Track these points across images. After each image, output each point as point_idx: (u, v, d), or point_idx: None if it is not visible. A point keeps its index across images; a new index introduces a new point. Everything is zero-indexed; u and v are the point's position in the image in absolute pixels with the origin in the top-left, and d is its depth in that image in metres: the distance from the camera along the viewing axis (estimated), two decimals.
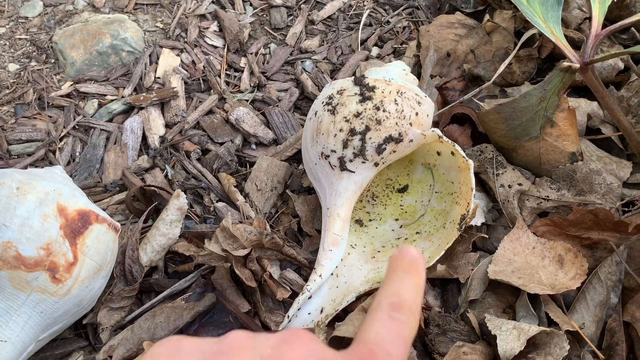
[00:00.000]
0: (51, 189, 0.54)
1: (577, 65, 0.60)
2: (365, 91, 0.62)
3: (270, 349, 0.31)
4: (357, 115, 0.61)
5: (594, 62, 0.60)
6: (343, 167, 0.62)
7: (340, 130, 0.61)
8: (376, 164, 0.62)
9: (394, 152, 0.61)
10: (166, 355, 0.31)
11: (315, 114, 0.65)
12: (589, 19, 0.79)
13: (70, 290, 0.54)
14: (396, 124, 0.60)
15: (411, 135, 0.61)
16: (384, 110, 0.61)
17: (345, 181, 0.63)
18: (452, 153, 0.64)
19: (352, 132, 0.61)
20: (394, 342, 0.32)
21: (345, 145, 0.61)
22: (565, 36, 0.73)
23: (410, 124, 0.61)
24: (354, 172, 0.62)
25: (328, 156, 0.62)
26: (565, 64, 0.60)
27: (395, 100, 0.61)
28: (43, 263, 0.52)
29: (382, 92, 0.62)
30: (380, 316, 0.33)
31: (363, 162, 0.61)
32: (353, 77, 0.65)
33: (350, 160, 0.61)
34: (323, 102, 0.64)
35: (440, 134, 0.61)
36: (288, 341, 0.31)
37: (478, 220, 0.66)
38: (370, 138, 0.60)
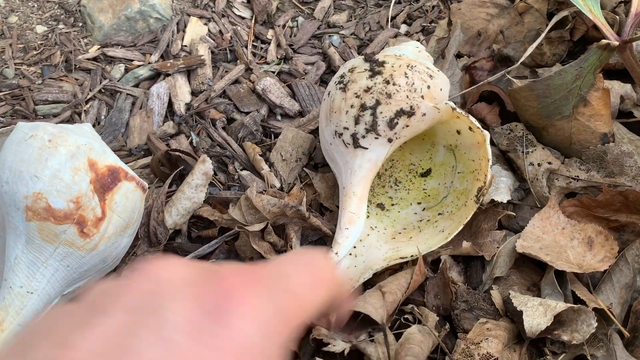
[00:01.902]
0: (82, 142, 0.54)
1: (616, 43, 0.59)
2: (375, 66, 0.61)
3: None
4: (367, 90, 0.60)
5: (633, 40, 0.59)
6: (356, 144, 0.61)
7: (352, 106, 0.61)
8: (390, 140, 0.61)
9: (407, 126, 0.61)
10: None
11: (329, 94, 0.64)
12: (625, 2, 0.78)
13: (97, 245, 0.54)
14: (407, 97, 0.60)
15: (424, 108, 0.60)
16: (394, 84, 0.60)
17: (359, 159, 0.62)
18: (470, 128, 0.63)
19: (363, 107, 0.60)
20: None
21: (357, 121, 0.60)
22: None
23: (422, 97, 0.60)
24: (367, 148, 0.61)
25: (341, 134, 0.62)
26: (604, 41, 0.59)
27: (406, 74, 0.60)
28: (72, 216, 0.51)
29: (392, 66, 0.61)
30: None
31: (376, 138, 0.61)
32: (364, 55, 0.64)
33: (363, 137, 0.61)
34: (335, 82, 0.64)
35: (454, 106, 0.60)
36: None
37: (504, 198, 0.65)
38: (381, 112, 0.60)
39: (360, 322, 0.56)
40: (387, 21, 0.93)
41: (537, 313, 0.54)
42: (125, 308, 0.24)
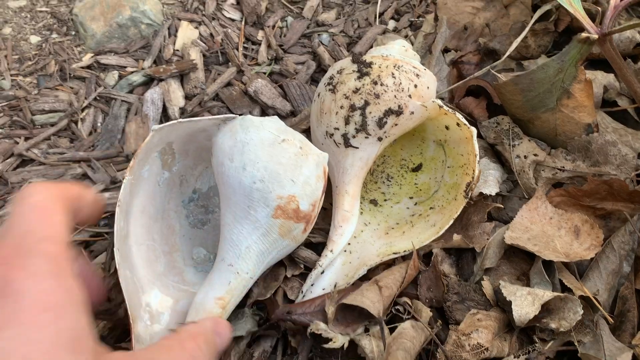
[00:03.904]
0: (318, 152, 0.58)
1: (596, 37, 0.61)
2: (363, 67, 0.63)
3: None
4: (356, 91, 0.62)
5: (612, 33, 0.61)
6: (347, 144, 0.63)
7: (341, 107, 0.62)
8: (380, 139, 0.63)
9: (396, 125, 0.62)
10: None
11: (319, 95, 0.66)
12: None
13: (303, 239, 0.60)
14: (395, 96, 0.61)
15: (411, 107, 0.62)
16: (381, 84, 0.61)
17: (350, 158, 0.64)
18: (458, 124, 0.65)
19: (352, 107, 0.62)
20: None
21: (347, 121, 0.62)
22: (583, 9, 0.73)
23: (410, 96, 0.62)
24: (358, 147, 0.63)
25: (332, 134, 0.64)
26: (584, 35, 0.61)
27: (393, 74, 0.62)
28: (307, 217, 0.57)
29: (379, 67, 0.63)
30: None
31: (366, 137, 0.62)
32: (352, 56, 0.66)
33: (354, 136, 0.63)
34: (325, 83, 0.66)
35: (441, 103, 0.62)
36: None
37: (492, 190, 0.67)
38: (370, 112, 0.61)
39: (357, 315, 0.58)
40: (375, 18, 0.94)
41: (525, 302, 0.56)
42: None
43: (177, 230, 0.65)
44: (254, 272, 0.56)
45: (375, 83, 0.61)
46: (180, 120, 0.58)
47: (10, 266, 0.32)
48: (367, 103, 0.61)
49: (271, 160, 0.54)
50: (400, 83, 0.62)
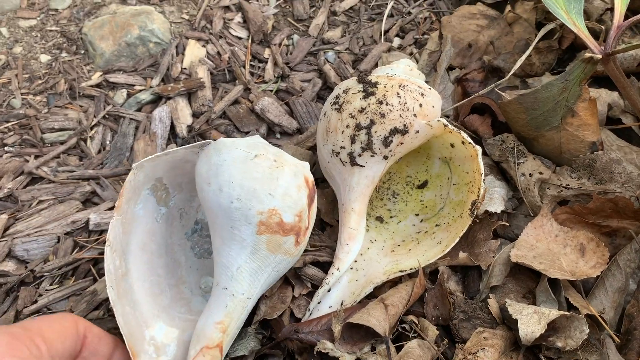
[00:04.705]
0: (296, 162, 0.58)
1: (599, 57, 0.61)
2: (368, 87, 0.64)
3: None
4: (362, 110, 0.63)
5: (616, 53, 0.61)
6: (353, 162, 0.64)
7: (347, 126, 0.63)
8: (385, 157, 0.64)
9: (402, 144, 0.63)
10: None
11: (325, 114, 0.67)
12: (611, 9, 0.80)
13: (300, 251, 0.59)
14: (400, 116, 0.62)
15: (416, 126, 0.63)
16: (387, 104, 0.62)
17: (357, 176, 0.65)
18: (463, 142, 0.65)
19: (358, 127, 0.62)
20: None
21: (352, 140, 0.63)
22: (587, 27, 0.74)
23: (415, 115, 0.62)
24: (364, 166, 0.64)
25: (338, 153, 0.64)
26: (587, 55, 0.61)
27: (398, 94, 0.63)
28: (295, 228, 0.56)
29: (385, 86, 0.64)
30: None
31: (372, 156, 0.63)
32: (357, 76, 0.66)
33: (359, 155, 0.63)
34: (331, 102, 0.67)
35: (446, 122, 0.63)
36: None
37: (498, 208, 0.67)
38: (375, 131, 0.62)
39: (363, 334, 0.58)
40: (380, 35, 0.95)
41: (531, 321, 0.56)
42: None
43: (183, 263, 0.65)
44: (250, 292, 0.56)
45: (381, 102, 0.62)
46: (158, 154, 0.59)
47: None
48: (372, 122, 0.62)
49: (245, 177, 0.54)
50: (406, 102, 0.62)
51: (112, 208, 0.73)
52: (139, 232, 0.62)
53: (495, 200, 0.68)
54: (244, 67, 0.90)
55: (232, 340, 0.57)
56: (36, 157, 0.79)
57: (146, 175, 0.60)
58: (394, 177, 0.74)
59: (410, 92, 0.63)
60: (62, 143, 0.80)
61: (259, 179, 0.54)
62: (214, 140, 0.59)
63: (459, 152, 0.68)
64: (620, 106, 0.74)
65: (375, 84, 0.64)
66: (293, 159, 0.58)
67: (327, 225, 0.72)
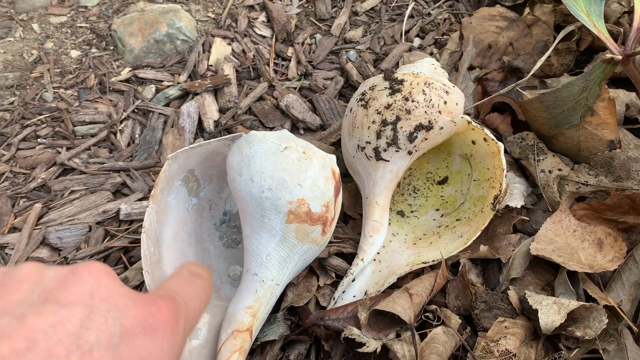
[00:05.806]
0: (323, 154, 0.61)
1: (620, 57, 0.63)
2: (395, 84, 0.66)
3: (55, 281, 0.30)
4: (388, 107, 0.65)
5: (635, 54, 0.63)
6: (378, 157, 0.66)
7: (373, 122, 0.65)
8: (410, 152, 0.66)
9: (426, 139, 0.65)
10: None
11: (351, 110, 0.69)
12: (629, 12, 0.82)
13: (326, 241, 0.62)
14: (425, 112, 0.64)
15: (441, 122, 0.65)
16: (412, 101, 0.64)
17: (381, 170, 0.67)
18: (485, 139, 0.68)
19: (384, 122, 0.64)
20: (191, 297, 0.38)
21: (378, 135, 0.65)
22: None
23: (440, 112, 0.65)
24: (388, 161, 0.66)
25: (364, 148, 0.66)
26: (608, 55, 0.63)
27: (423, 91, 0.65)
28: (321, 218, 0.59)
29: (410, 84, 0.66)
30: (183, 276, 0.40)
31: (397, 151, 0.65)
32: (383, 74, 0.68)
33: (385, 150, 0.65)
34: (357, 99, 0.69)
35: (469, 119, 0.65)
36: (77, 273, 0.30)
37: (518, 203, 0.69)
38: (401, 127, 0.64)
39: (388, 321, 0.60)
40: (401, 35, 0.98)
41: (551, 311, 0.58)
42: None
43: (212, 252, 0.68)
44: (278, 278, 0.59)
45: (407, 99, 0.64)
46: (192, 145, 0.62)
47: None
48: (398, 118, 0.64)
49: (276, 168, 0.57)
50: (431, 99, 0.65)
51: (142, 199, 0.76)
52: (171, 221, 0.65)
53: (516, 195, 0.70)
54: (268, 64, 0.93)
55: (261, 325, 0.59)
56: (68, 149, 0.81)
57: (180, 166, 0.63)
58: (415, 173, 0.77)
59: (435, 90, 0.65)
60: (92, 136, 0.83)
61: (289, 170, 0.57)
62: (245, 133, 0.61)
63: (480, 149, 0.70)
64: (638, 106, 0.76)
65: (401, 81, 0.66)
66: (321, 152, 0.61)
67: (350, 219, 0.74)
